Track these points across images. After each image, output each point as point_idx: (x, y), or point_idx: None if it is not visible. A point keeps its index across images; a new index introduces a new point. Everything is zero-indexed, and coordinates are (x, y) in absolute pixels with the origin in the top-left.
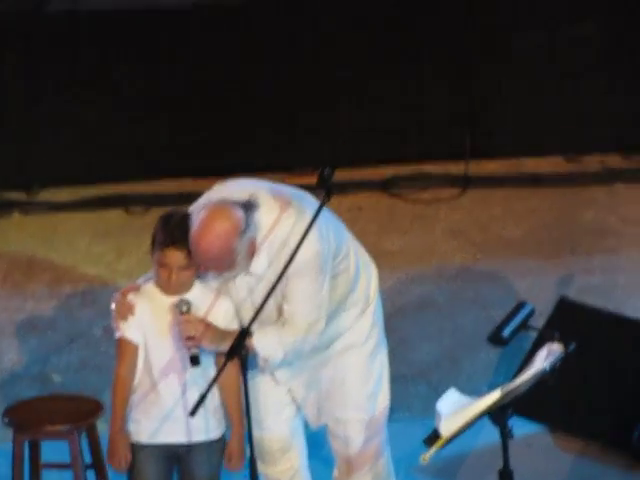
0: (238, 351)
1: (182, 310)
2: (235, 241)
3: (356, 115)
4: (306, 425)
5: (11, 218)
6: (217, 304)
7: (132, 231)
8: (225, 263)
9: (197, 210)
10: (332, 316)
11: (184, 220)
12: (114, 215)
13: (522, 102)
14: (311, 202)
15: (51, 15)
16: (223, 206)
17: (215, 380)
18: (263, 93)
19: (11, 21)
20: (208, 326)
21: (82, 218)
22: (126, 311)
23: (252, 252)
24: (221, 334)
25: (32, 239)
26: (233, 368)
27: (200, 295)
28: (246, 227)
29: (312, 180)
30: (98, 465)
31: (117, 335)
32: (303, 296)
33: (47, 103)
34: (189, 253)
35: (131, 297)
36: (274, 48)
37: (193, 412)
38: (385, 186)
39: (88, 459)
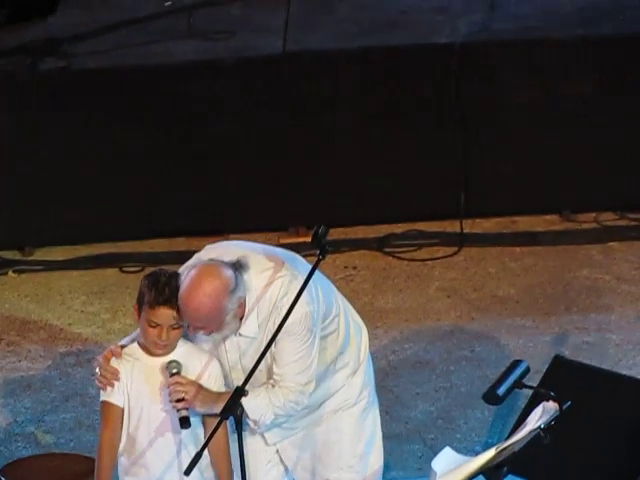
0: (234, 410)
1: (172, 372)
2: (225, 300)
3: (351, 175)
4: None
5: (5, 277)
6: (202, 361)
7: (127, 290)
8: (214, 323)
9: (186, 270)
10: (322, 377)
11: (172, 279)
12: (109, 274)
13: (517, 161)
14: (303, 264)
15: (45, 72)
16: (213, 266)
17: (210, 439)
18: (257, 153)
19: (5, 78)
20: (200, 388)
21: (77, 277)
22: (109, 375)
23: (242, 313)
24: (214, 396)
25: (27, 298)
26: (221, 429)
27: (185, 354)
28: (235, 286)
29: (306, 239)
30: None
31: (101, 398)
32: (292, 357)
33: (41, 162)
34: (179, 311)
35: (114, 361)
36: (269, 108)
37: (188, 471)
38: (380, 245)
39: None
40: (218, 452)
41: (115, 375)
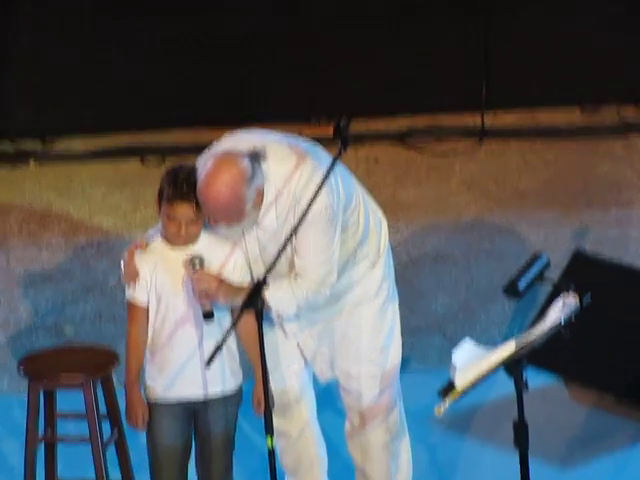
0: (254, 304)
1: (195, 266)
2: (243, 189)
3: (372, 66)
4: (315, 379)
5: (26, 168)
6: (231, 259)
7: (148, 182)
8: (234, 213)
9: (204, 160)
10: (343, 269)
11: (191, 174)
12: (130, 166)
13: (539, 53)
14: (324, 155)
15: None
16: (228, 156)
17: (229, 332)
18: (280, 43)
19: None
20: (222, 282)
21: (98, 168)
22: (133, 273)
23: (260, 202)
24: (235, 289)
25: (47, 189)
26: (251, 317)
27: (209, 248)
28: (253, 175)
29: (328, 131)
30: (113, 415)
31: (127, 299)
32: (314, 249)
33: (63, 53)
34: (197, 206)
35: (139, 256)
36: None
37: (209, 362)
38: (401, 138)
39: (103, 409)
40: (250, 340)
41: (137, 275)
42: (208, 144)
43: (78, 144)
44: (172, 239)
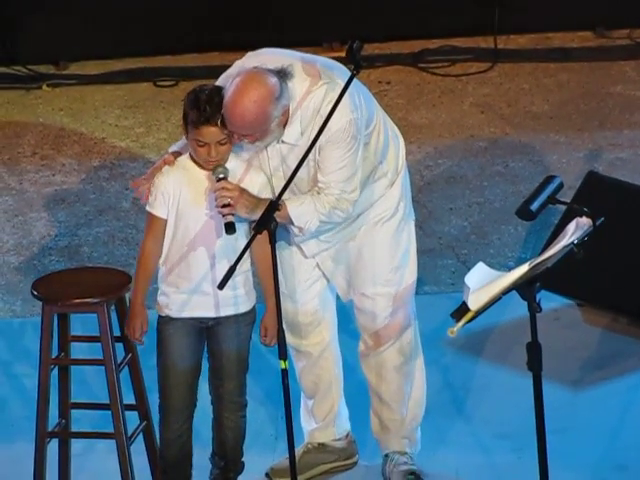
0: (267, 224)
1: (219, 176)
2: (270, 107)
3: None
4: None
5: (40, 91)
6: (250, 174)
7: (160, 104)
8: (259, 130)
9: (229, 78)
10: (362, 187)
11: (213, 95)
12: (143, 88)
13: None
14: (343, 72)
15: None
16: (257, 73)
17: (243, 253)
18: None
19: None
20: (243, 192)
21: (111, 91)
22: (155, 187)
23: (285, 120)
24: (255, 201)
25: (61, 112)
26: (267, 242)
27: (234, 166)
28: (280, 94)
29: (341, 54)
30: (127, 338)
31: (147, 209)
32: (337, 165)
33: None
34: (223, 126)
35: (166, 169)
36: None
37: (221, 285)
38: (414, 60)
39: (117, 331)
40: (264, 264)
41: (160, 186)
42: (219, 67)
43: (91, 68)
44: (204, 164)
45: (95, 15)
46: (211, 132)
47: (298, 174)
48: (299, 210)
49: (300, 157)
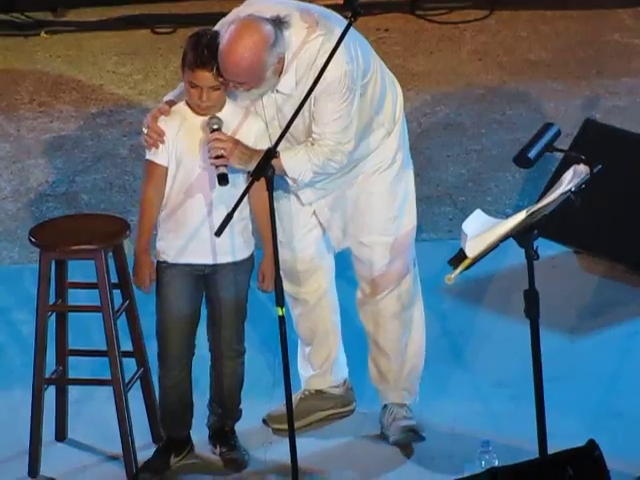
0: (265, 172)
1: (212, 127)
2: (265, 54)
3: None
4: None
5: (37, 38)
6: (247, 122)
7: (159, 51)
8: (254, 77)
9: (225, 25)
10: (359, 137)
11: (213, 40)
12: (140, 35)
13: None
14: (339, 20)
15: None
16: (252, 20)
17: (240, 201)
18: None
19: None
20: (237, 143)
21: (109, 38)
22: (155, 135)
23: (280, 69)
24: (250, 152)
25: (58, 59)
26: (262, 189)
27: (231, 115)
28: (275, 41)
29: (339, 1)
30: (124, 284)
31: (146, 157)
32: (332, 116)
33: None
34: (219, 73)
35: (162, 118)
36: None
37: (219, 232)
38: (412, 7)
39: (114, 279)
40: (262, 211)
41: (161, 135)
42: (218, 14)
43: (89, 14)
44: (195, 107)
45: None
46: (204, 76)
47: (294, 124)
48: (293, 161)
49: (295, 106)
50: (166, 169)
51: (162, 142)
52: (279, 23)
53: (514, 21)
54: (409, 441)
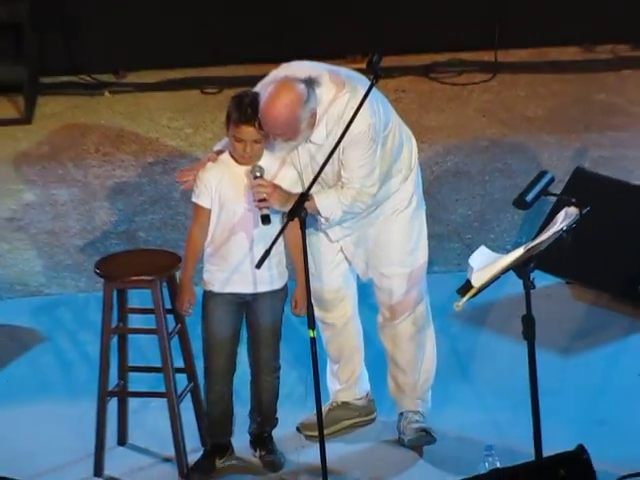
0: (299, 213)
1: (256, 174)
2: (299, 110)
3: (401, 9)
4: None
5: (101, 97)
6: (283, 170)
7: (207, 109)
8: (291, 130)
9: (265, 86)
10: (381, 182)
11: (254, 99)
12: (191, 95)
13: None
14: (363, 82)
15: None
16: (288, 81)
17: (277, 238)
18: None
19: None
20: (276, 188)
21: (163, 97)
22: (200, 181)
23: (313, 122)
24: (287, 195)
25: (120, 115)
26: (297, 228)
27: (269, 164)
28: (308, 99)
29: (362, 65)
30: (177, 311)
31: (193, 200)
32: (359, 163)
33: None
34: (260, 128)
35: (209, 165)
36: None
37: (259, 265)
38: (426, 71)
39: (168, 305)
40: (295, 247)
41: (206, 180)
42: (258, 77)
43: (146, 77)
44: (239, 158)
45: (149, 30)
46: (249, 131)
47: (325, 170)
48: (325, 202)
49: (326, 155)
50: (209, 211)
51: (207, 184)
52: (311, 83)
53: (514, 83)
54: (422, 441)
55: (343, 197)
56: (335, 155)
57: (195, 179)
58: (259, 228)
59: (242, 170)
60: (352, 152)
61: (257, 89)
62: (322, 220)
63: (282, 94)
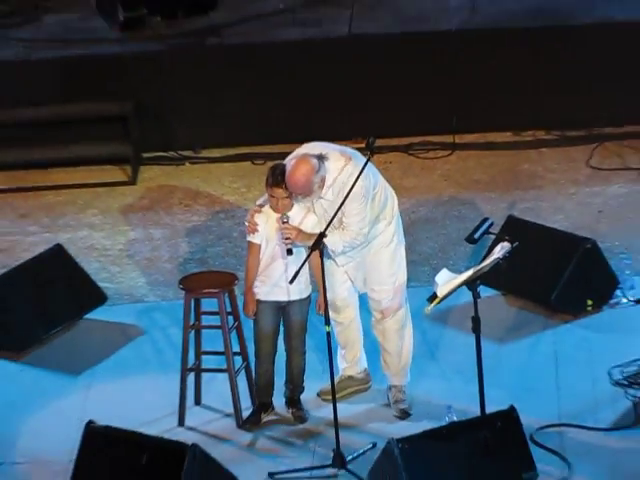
0: (318, 246)
1: (283, 220)
2: (312, 177)
3: (389, 106)
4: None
5: (184, 166)
6: (307, 217)
7: (256, 174)
8: (307, 191)
9: (290, 159)
10: (371, 226)
11: (283, 169)
12: (245, 165)
13: (489, 99)
14: (361, 157)
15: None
16: (305, 156)
17: (304, 263)
18: (342, 87)
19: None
20: (300, 231)
21: (227, 166)
22: (253, 225)
23: (322, 185)
24: (307, 236)
25: (197, 179)
26: (317, 255)
27: (297, 213)
28: (319, 169)
29: (361, 145)
30: (235, 313)
31: (247, 239)
32: (355, 212)
33: (211, 96)
34: (287, 188)
35: (257, 215)
36: (342, 50)
37: (292, 281)
38: (406, 149)
39: (229, 308)
40: (316, 268)
41: (256, 226)
42: (287, 153)
43: (215, 152)
44: (274, 210)
45: (216, 119)
46: (279, 192)
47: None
48: (332, 240)
49: (334, 208)
50: (259, 246)
51: (257, 229)
52: (321, 158)
53: (466, 157)
54: (403, 417)
55: (344, 236)
56: (340, 208)
57: (248, 225)
58: (291, 257)
59: (277, 217)
60: (351, 205)
61: (286, 161)
62: (330, 252)
63: (301, 166)
